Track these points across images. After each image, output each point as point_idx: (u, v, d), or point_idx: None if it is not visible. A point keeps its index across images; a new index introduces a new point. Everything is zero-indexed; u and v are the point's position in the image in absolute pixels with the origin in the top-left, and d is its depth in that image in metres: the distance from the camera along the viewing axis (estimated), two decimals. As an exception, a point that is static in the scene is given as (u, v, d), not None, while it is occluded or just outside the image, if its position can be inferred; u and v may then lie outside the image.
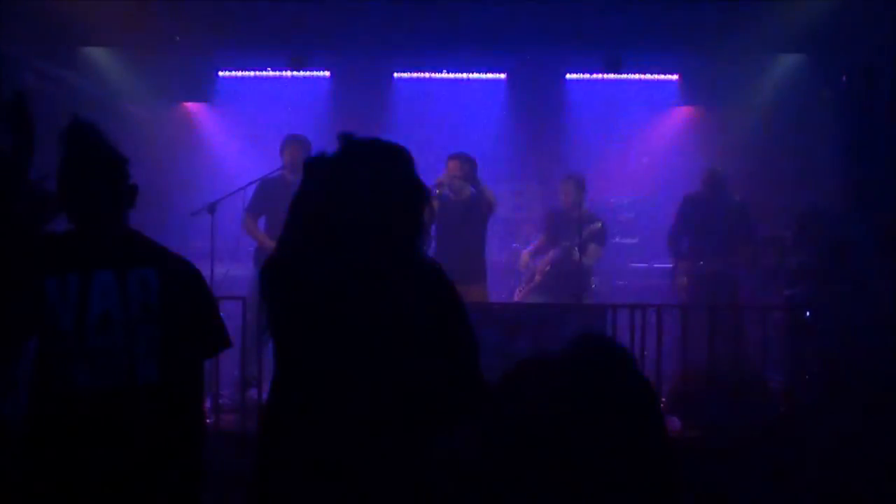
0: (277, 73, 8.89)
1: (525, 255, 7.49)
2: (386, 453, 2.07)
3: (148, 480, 2.35)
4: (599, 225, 7.11)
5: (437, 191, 6.52)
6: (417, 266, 2.21)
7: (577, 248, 7.02)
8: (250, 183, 6.72)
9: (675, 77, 8.98)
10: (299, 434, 2.12)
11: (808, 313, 6.30)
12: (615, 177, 8.83)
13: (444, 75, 9.01)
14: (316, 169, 2.24)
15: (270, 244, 6.62)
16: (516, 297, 7.44)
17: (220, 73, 8.98)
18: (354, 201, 2.16)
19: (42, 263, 2.40)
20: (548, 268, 7.25)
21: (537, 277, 7.34)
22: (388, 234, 2.17)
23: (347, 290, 2.12)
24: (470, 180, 6.58)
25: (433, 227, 6.64)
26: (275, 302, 2.19)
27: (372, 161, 2.22)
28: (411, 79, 9.10)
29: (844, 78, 6.97)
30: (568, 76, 9.01)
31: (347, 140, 2.26)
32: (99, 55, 8.22)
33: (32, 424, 2.37)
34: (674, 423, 5.68)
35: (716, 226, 6.97)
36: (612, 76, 8.73)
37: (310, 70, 8.83)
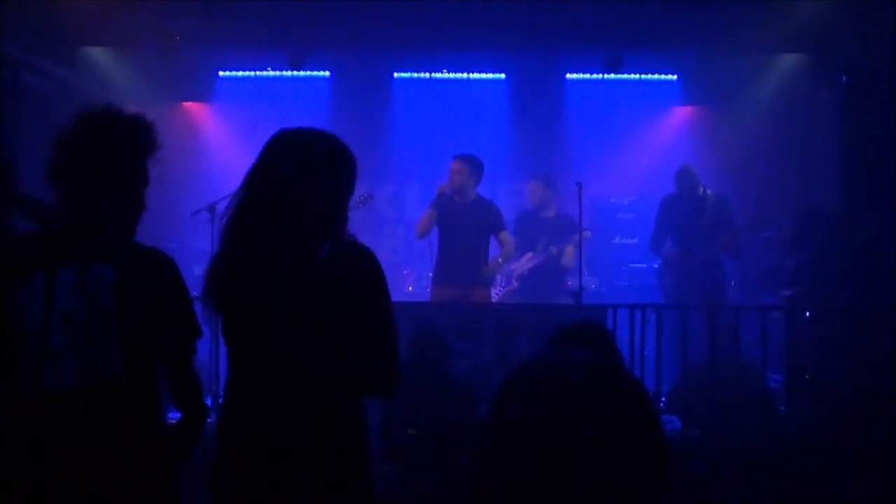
0: (277, 73, 8.90)
1: (497, 258, 7.37)
2: (316, 429, 2.33)
3: (123, 480, 2.32)
4: (589, 234, 7.11)
5: (439, 192, 6.49)
6: (344, 249, 2.42)
7: (563, 254, 7.04)
8: (250, 183, 6.71)
9: (675, 77, 8.98)
10: (244, 417, 2.38)
11: (807, 313, 6.30)
12: (615, 177, 8.83)
13: (444, 75, 9.01)
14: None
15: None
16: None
17: (220, 73, 8.99)
18: (283, 187, 2.45)
19: (12, 264, 2.38)
20: (526, 272, 7.23)
21: (515, 283, 7.32)
22: (314, 218, 2.41)
23: (278, 280, 2.36)
24: (475, 182, 6.52)
25: (435, 230, 6.60)
26: (218, 295, 2.44)
27: (296, 150, 2.53)
28: (411, 79, 9.10)
29: (844, 78, 6.97)
30: (568, 76, 9.01)
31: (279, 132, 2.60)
32: (99, 55, 8.21)
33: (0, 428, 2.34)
34: (674, 423, 5.69)
35: (694, 221, 7.00)
36: (612, 76, 8.73)
37: (310, 70, 8.83)
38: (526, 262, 7.25)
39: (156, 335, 2.40)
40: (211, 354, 5.69)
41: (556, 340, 1.70)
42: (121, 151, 2.44)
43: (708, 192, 7.15)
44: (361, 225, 8.38)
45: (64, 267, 2.35)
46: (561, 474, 1.25)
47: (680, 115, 9.23)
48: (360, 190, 7.76)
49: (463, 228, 6.45)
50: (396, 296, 8.79)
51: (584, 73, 8.96)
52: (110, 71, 8.25)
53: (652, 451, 1.27)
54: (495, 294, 7.42)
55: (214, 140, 9.13)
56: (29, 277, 2.34)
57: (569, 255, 7.10)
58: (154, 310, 2.39)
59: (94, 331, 2.33)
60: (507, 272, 7.42)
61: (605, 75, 8.75)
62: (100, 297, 2.34)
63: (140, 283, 2.38)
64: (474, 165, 6.52)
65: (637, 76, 8.89)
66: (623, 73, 8.69)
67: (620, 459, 1.25)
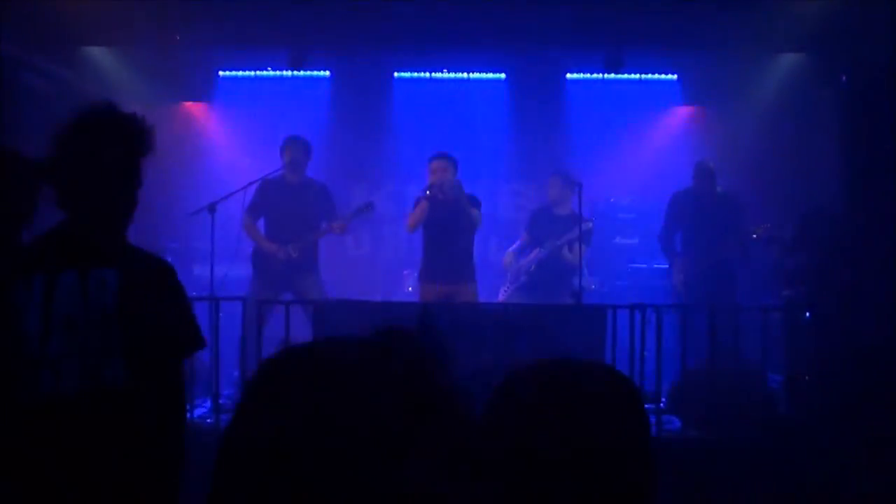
0: (277, 73, 8.89)
1: (509, 254, 7.45)
2: None
3: (121, 486, 2.28)
4: (590, 224, 7.10)
5: (428, 192, 6.51)
6: None
7: (566, 247, 7.03)
8: (250, 183, 6.73)
9: (675, 77, 8.97)
10: None
11: (807, 314, 6.30)
12: (615, 177, 8.83)
13: (445, 75, 9.01)
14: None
15: (270, 246, 6.64)
16: (500, 298, 7.40)
17: (220, 73, 8.98)
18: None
19: (10, 266, 2.35)
20: (533, 267, 7.23)
21: (523, 277, 7.33)
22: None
23: None
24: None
25: (421, 228, 6.63)
26: None
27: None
28: (411, 79, 9.10)
29: (844, 78, 6.96)
30: (568, 76, 9.01)
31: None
32: (99, 55, 8.21)
33: None
34: (674, 423, 5.69)
35: (706, 219, 6.97)
36: (612, 76, 8.72)
37: (310, 70, 8.83)
38: (534, 258, 7.26)
39: (158, 340, 2.37)
40: (211, 354, 5.68)
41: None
42: (117, 150, 2.41)
43: (721, 190, 7.12)
44: (362, 225, 8.40)
45: (65, 271, 2.32)
46: (548, 479, 1.25)
47: (680, 115, 9.23)
48: (362, 197, 7.81)
49: (447, 225, 6.48)
50: (396, 296, 8.74)
51: (584, 73, 8.96)
52: (110, 71, 8.25)
53: (636, 455, 1.27)
54: (504, 291, 7.46)
55: (214, 140, 9.12)
56: (27, 280, 2.30)
57: (576, 253, 7.09)
58: (157, 315, 2.37)
59: (97, 335, 2.29)
60: (516, 268, 7.43)
61: (605, 75, 8.74)
62: (103, 301, 2.31)
63: (143, 288, 2.36)
64: (454, 162, 6.58)
65: (637, 76, 8.89)
66: (623, 73, 8.68)
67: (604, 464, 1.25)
